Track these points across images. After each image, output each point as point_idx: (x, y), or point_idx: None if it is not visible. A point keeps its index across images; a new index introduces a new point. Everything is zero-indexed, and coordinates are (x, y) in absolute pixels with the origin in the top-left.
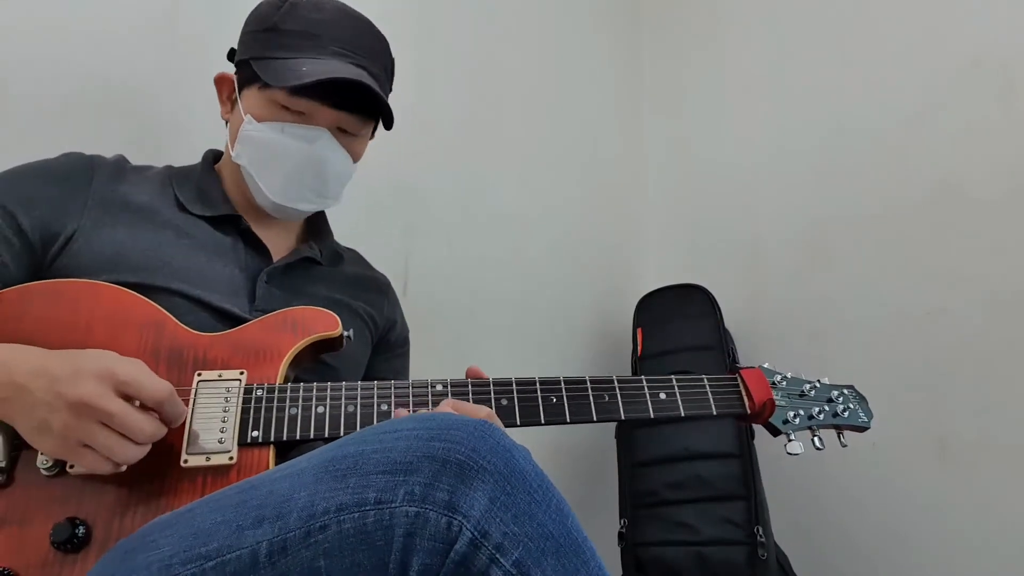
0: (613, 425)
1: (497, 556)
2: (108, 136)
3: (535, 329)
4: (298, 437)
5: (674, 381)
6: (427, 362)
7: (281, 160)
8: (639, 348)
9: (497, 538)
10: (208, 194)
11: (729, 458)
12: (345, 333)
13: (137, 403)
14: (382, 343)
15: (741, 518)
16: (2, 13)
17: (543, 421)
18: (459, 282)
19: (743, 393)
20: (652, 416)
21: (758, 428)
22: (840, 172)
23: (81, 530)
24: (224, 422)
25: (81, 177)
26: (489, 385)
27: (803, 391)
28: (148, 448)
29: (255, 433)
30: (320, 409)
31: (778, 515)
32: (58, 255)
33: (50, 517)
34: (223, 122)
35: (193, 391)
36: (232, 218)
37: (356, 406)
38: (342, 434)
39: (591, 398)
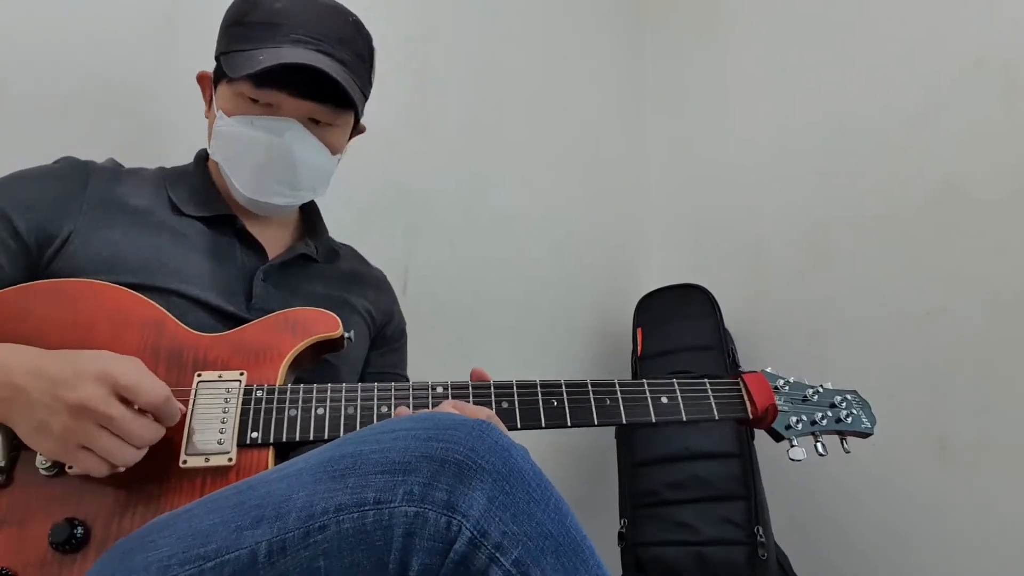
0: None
1: (497, 555)
2: (108, 136)
3: (536, 329)
4: (298, 439)
5: (676, 385)
6: (429, 363)
7: (250, 154)
8: (639, 348)
9: (496, 537)
10: (202, 194)
11: (729, 458)
12: (346, 334)
13: (136, 406)
14: (379, 338)
15: (741, 518)
16: (2, 13)
17: (544, 424)
18: (461, 282)
19: (745, 397)
20: (654, 420)
21: (759, 431)
22: (842, 173)
23: (80, 530)
24: (224, 423)
25: (77, 180)
26: (490, 387)
27: (806, 396)
28: (145, 451)
29: (254, 434)
30: (320, 411)
31: (778, 515)
32: (54, 257)
33: (49, 517)
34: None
35: (193, 392)
36: (227, 217)
37: (356, 408)
38: (341, 436)
39: (592, 401)
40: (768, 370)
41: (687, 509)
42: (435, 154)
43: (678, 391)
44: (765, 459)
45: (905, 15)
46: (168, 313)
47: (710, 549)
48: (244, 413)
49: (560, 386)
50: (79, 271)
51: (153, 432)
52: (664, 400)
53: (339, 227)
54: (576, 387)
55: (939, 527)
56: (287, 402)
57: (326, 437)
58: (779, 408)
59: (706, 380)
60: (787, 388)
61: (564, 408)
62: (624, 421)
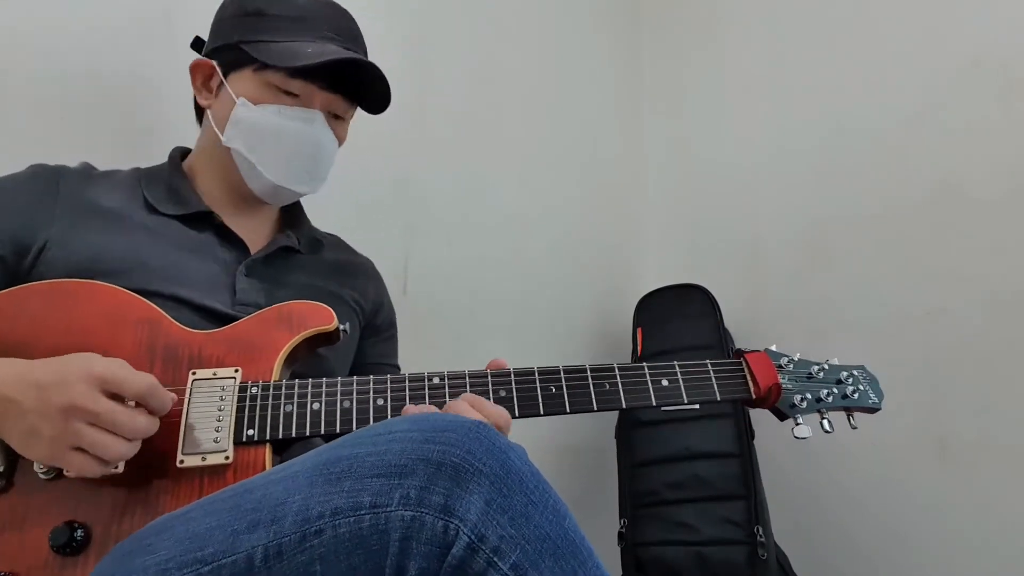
0: (613, 425)
1: (495, 559)
2: (108, 136)
3: (535, 329)
4: (294, 435)
5: (676, 367)
6: (427, 362)
7: (282, 142)
8: (639, 348)
9: (494, 541)
10: (178, 193)
11: (729, 458)
12: (341, 327)
13: (131, 403)
14: (369, 327)
15: (741, 518)
16: (1, 13)
17: (542, 412)
18: (459, 282)
19: (748, 377)
20: (654, 403)
21: (764, 419)
22: (840, 172)
23: (80, 533)
24: (220, 421)
25: (48, 186)
26: (487, 377)
27: (811, 373)
28: (138, 445)
29: (251, 432)
30: (316, 405)
31: (778, 515)
32: (33, 265)
33: (49, 521)
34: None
35: (188, 390)
36: (204, 214)
37: (352, 401)
38: (338, 431)
39: (591, 387)
40: (772, 348)
41: (687, 509)
42: (433, 154)
43: (679, 373)
44: (765, 459)
45: (902, 15)
46: (162, 311)
47: (710, 549)
48: (240, 410)
49: (558, 372)
50: (60, 276)
51: (144, 423)
52: (665, 383)
53: (338, 226)
54: (574, 372)
55: (939, 527)
56: (282, 398)
57: (323, 432)
58: (783, 387)
59: (707, 361)
60: (791, 366)
61: (563, 395)
62: (624, 405)
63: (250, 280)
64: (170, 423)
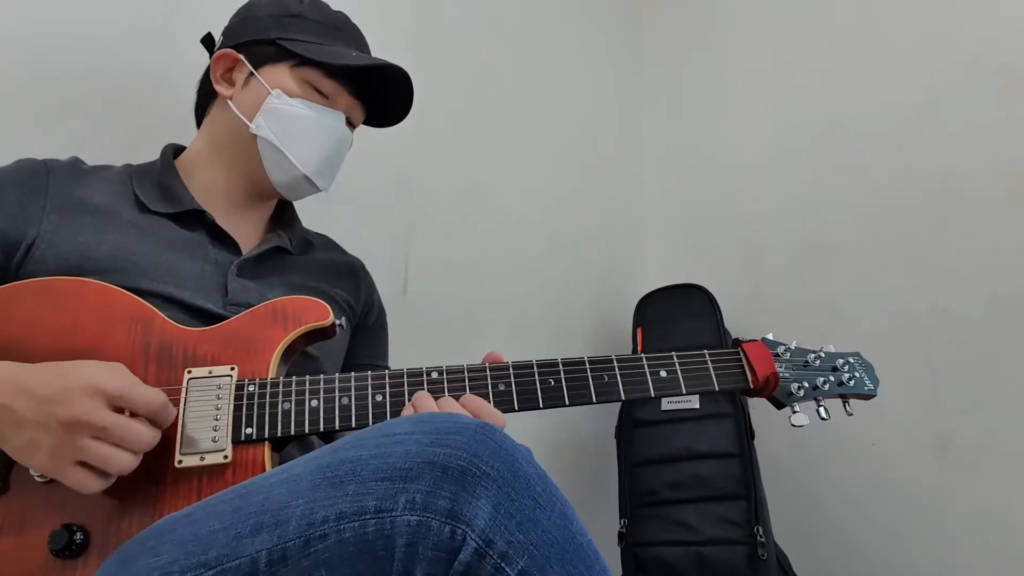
0: (613, 424)
1: (502, 565)
2: (107, 136)
3: (535, 329)
4: (293, 432)
5: (675, 358)
6: (427, 362)
7: (316, 136)
8: (639, 348)
9: (502, 547)
10: (170, 191)
11: (729, 458)
12: (337, 322)
13: (127, 412)
14: (360, 327)
15: (741, 518)
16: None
17: (541, 405)
18: (459, 282)
19: (745, 367)
20: (653, 395)
21: (764, 419)
22: (840, 172)
23: (79, 536)
24: (217, 420)
25: (36, 182)
26: (486, 371)
27: (807, 361)
28: (140, 458)
29: (249, 430)
30: (314, 402)
31: (778, 515)
32: (22, 263)
33: (47, 524)
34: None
35: (184, 389)
36: (196, 213)
37: (350, 398)
38: (337, 427)
39: (590, 379)
40: (768, 337)
41: (687, 509)
42: (433, 154)
43: (677, 364)
44: (765, 459)
45: (902, 14)
46: (155, 309)
47: (710, 549)
48: (237, 409)
49: (557, 365)
50: (49, 274)
51: (149, 436)
52: (663, 374)
53: (339, 226)
54: (573, 365)
55: (939, 527)
56: (280, 395)
57: (321, 429)
58: (780, 376)
59: (705, 352)
60: (788, 354)
61: (562, 387)
62: (623, 397)
63: (242, 280)
64: None
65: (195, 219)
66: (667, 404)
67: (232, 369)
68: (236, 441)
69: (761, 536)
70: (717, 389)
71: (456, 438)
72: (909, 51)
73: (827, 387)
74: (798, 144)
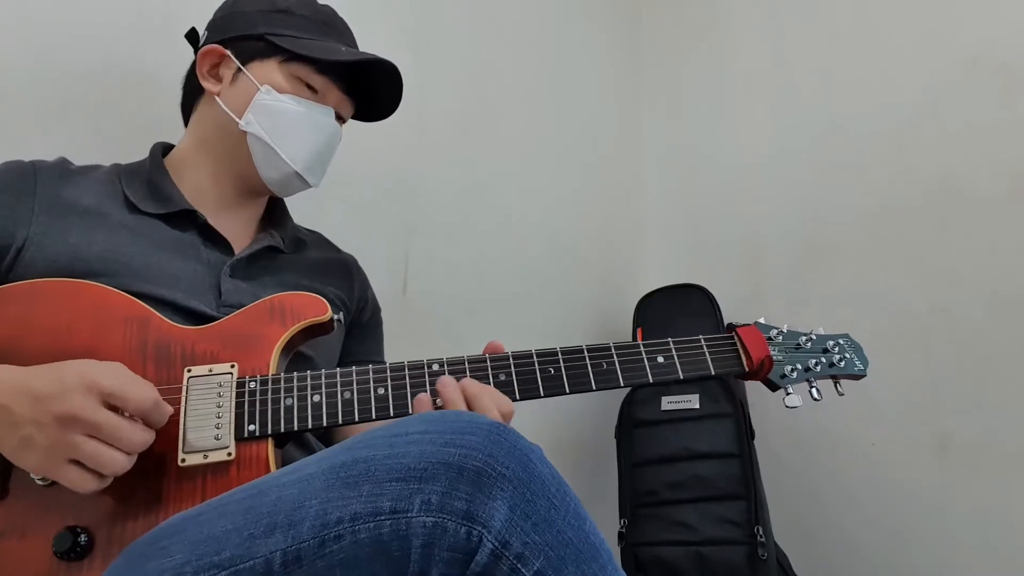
0: (613, 424)
1: (518, 566)
2: (107, 136)
3: (535, 328)
4: (296, 428)
5: (671, 343)
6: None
7: (306, 132)
8: None
9: (518, 548)
10: (160, 190)
11: (729, 458)
12: (335, 316)
13: (126, 413)
14: (355, 325)
15: (741, 518)
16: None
17: (542, 394)
18: (459, 282)
19: (740, 351)
20: (651, 380)
21: (764, 419)
22: (840, 172)
23: (83, 538)
24: (219, 418)
25: (24, 184)
26: (486, 361)
27: (799, 344)
28: (135, 459)
29: (251, 427)
30: (316, 397)
31: (778, 515)
32: (12, 266)
33: (50, 527)
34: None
35: (184, 388)
36: (187, 213)
37: (352, 392)
38: (340, 422)
39: (589, 367)
40: (761, 321)
41: (687, 509)
42: (433, 154)
43: (673, 350)
44: (765, 459)
45: (902, 14)
46: (151, 308)
47: (710, 549)
48: (239, 406)
49: (556, 354)
50: (39, 277)
51: (142, 437)
52: (660, 360)
53: (338, 226)
54: (572, 353)
55: (939, 527)
56: (281, 391)
57: (324, 424)
58: (774, 358)
59: (700, 337)
60: (780, 337)
61: (562, 376)
62: (622, 383)
63: (235, 281)
64: (168, 422)
65: (186, 219)
66: (667, 404)
67: (232, 366)
68: (239, 438)
69: (761, 536)
70: (713, 373)
71: (471, 438)
72: (909, 51)
73: (819, 368)
74: (798, 144)
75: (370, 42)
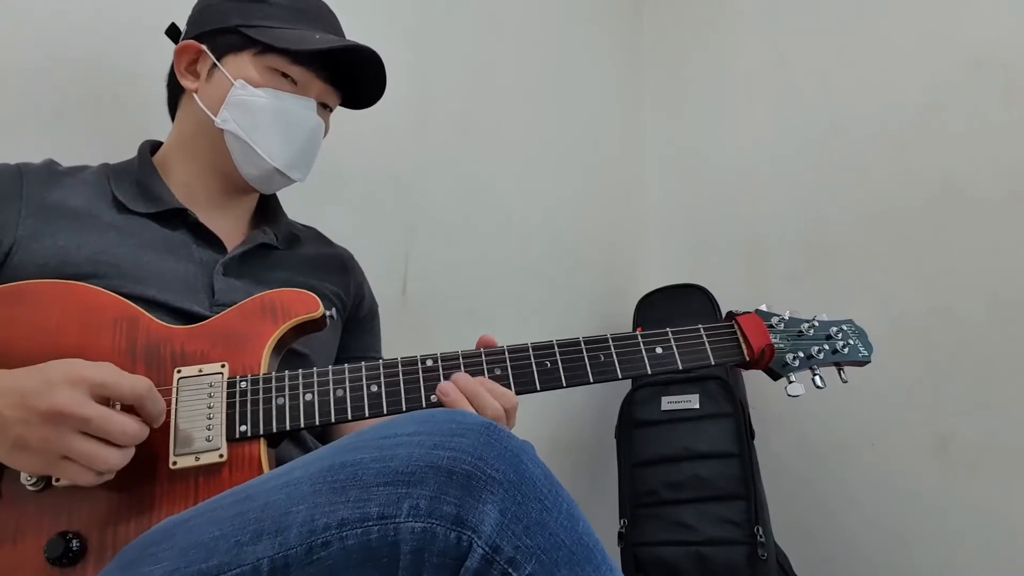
0: (613, 424)
1: (510, 571)
2: (107, 136)
3: (535, 328)
4: (288, 428)
5: (670, 334)
6: None
7: (283, 126)
8: None
9: (509, 552)
10: (149, 189)
11: (729, 458)
12: (327, 313)
13: (117, 406)
14: (352, 320)
15: (741, 518)
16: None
17: (539, 388)
18: (459, 282)
19: (740, 340)
20: (650, 372)
21: (764, 419)
22: (841, 172)
23: (75, 543)
24: (210, 419)
25: (10, 187)
26: (481, 356)
27: (801, 331)
28: (131, 453)
29: (243, 428)
30: (308, 396)
31: (778, 515)
32: (0, 270)
33: (42, 532)
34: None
35: (174, 389)
36: (178, 211)
37: (345, 390)
38: (333, 420)
39: (586, 359)
40: (762, 308)
41: (687, 509)
42: (433, 154)
43: (672, 340)
44: (765, 459)
45: (904, 15)
46: (139, 308)
47: (710, 549)
48: (230, 406)
49: (552, 347)
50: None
51: (135, 428)
52: (659, 350)
53: (338, 226)
54: (569, 346)
55: (939, 527)
56: (273, 391)
57: (317, 423)
58: (775, 347)
59: (700, 327)
60: (782, 325)
61: (558, 369)
62: (620, 376)
63: (228, 279)
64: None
65: (177, 218)
66: (667, 404)
67: (223, 366)
68: (231, 439)
69: (761, 536)
70: (713, 363)
71: (460, 440)
72: (911, 52)
73: (822, 356)
74: (799, 145)
75: (370, 42)
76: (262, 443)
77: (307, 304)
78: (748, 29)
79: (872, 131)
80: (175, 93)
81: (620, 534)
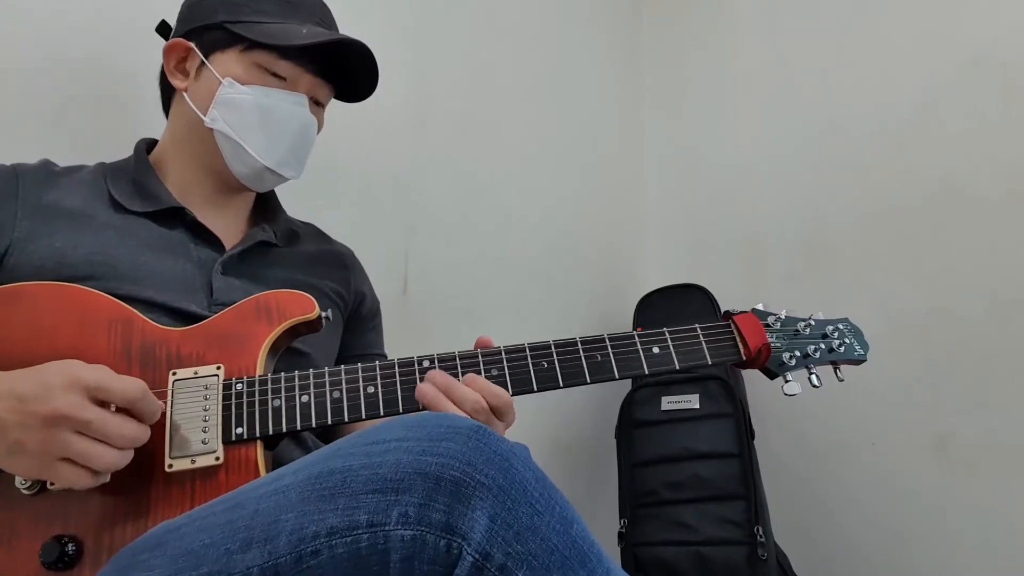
0: (613, 424)
1: None
2: (107, 136)
3: (534, 328)
4: (284, 430)
5: (667, 334)
6: None
7: (272, 123)
8: None
9: (500, 559)
10: (146, 188)
11: (729, 458)
12: (323, 314)
13: (113, 408)
14: (353, 318)
15: (741, 518)
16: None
17: (536, 388)
18: (459, 282)
19: (737, 339)
20: (647, 372)
21: (764, 419)
22: (840, 172)
23: (71, 547)
24: (206, 421)
25: (5, 188)
26: (478, 356)
27: (797, 330)
28: (131, 454)
29: (239, 430)
30: (304, 398)
31: (778, 515)
32: None
33: (37, 536)
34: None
35: (170, 391)
36: (175, 210)
37: (341, 391)
38: (329, 422)
39: (583, 359)
40: (759, 307)
41: (687, 509)
42: (433, 153)
43: (669, 340)
44: (765, 459)
45: (903, 14)
46: (134, 309)
47: (710, 549)
48: (226, 409)
49: (549, 347)
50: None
51: (134, 430)
52: (656, 350)
53: (338, 226)
54: (565, 346)
55: (939, 527)
56: (269, 392)
57: (314, 425)
58: (772, 346)
59: (696, 326)
60: (778, 324)
61: (555, 369)
62: (617, 376)
63: (227, 278)
64: (154, 426)
65: (174, 217)
66: (667, 404)
67: (218, 368)
68: (227, 441)
69: (761, 536)
70: (710, 363)
71: (449, 445)
72: (909, 51)
73: (818, 355)
74: (798, 144)
75: (368, 41)
76: (259, 445)
77: (303, 305)
78: (747, 28)
79: (871, 130)
80: (167, 92)
81: (620, 534)
